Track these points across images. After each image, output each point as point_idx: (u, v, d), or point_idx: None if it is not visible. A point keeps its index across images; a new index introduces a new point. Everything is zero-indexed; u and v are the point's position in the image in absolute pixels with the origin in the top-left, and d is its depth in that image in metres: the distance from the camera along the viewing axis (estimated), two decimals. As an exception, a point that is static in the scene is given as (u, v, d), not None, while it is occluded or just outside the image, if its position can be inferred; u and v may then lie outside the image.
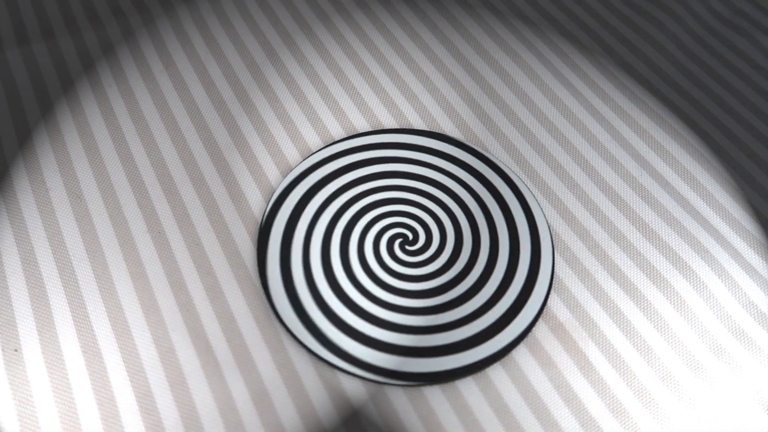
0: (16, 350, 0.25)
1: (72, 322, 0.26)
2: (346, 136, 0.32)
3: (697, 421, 0.25)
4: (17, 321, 0.26)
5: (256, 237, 0.29)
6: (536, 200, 0.30)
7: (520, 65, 0.36)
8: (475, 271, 0.27)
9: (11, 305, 0.27)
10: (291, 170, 0.31)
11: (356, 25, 0.38)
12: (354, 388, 0.25)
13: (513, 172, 0.31)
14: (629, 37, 0.38)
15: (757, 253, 0.30)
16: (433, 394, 0.25)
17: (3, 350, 0.25)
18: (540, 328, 0.27)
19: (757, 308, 0.28)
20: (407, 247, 0.28)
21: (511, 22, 0.39)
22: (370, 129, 0.33)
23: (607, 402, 0.26)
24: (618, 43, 0.38)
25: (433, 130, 0.33)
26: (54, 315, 0.26)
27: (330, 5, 0.39)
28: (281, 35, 0.37)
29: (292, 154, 0.32)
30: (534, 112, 0.34)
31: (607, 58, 0.37)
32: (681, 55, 0.38)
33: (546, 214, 0.30)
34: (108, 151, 0.31)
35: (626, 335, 0.27)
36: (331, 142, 0.32)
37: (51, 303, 0.27)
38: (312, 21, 0.38)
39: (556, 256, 0.29)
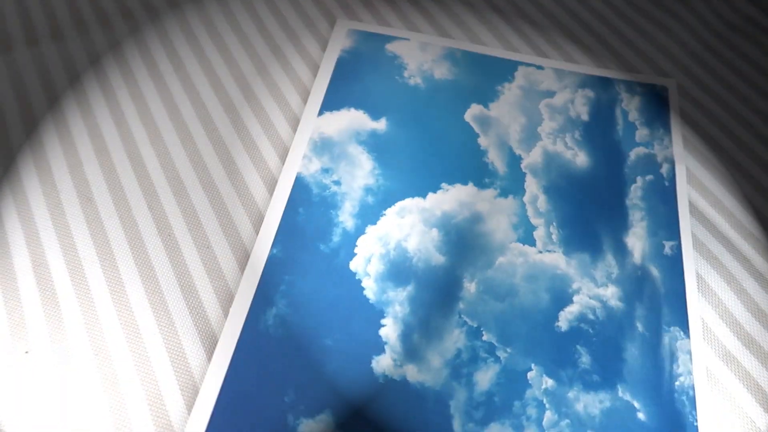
0: (26, 352, 0.26)
1: (83, 324, 0.26)
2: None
3: None
4: (27, 323, 0.26)
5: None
6: None
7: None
8: None
9: (22, 307, 0.27)
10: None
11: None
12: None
13: None
14: (636, 41, 0.38)
15: (763, 257, 0.30)
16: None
17: (13, 352, 0.25)
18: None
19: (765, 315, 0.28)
20: None
21: (518, 26, 0.39)
22: None
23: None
24: (624, 46, 0.38)
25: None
26: (64, 318, 0.26)
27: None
28: (293, 42, 0.37)
29: (301, 157, 0.32)
30: (543, 116, 0.34)
31: (613, 61, 0.37)
32: (688, 60, 0.38)
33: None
34: (118, 154, 0.31)
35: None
36: None
37: (61, 305, 0.27)
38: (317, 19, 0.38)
39: None
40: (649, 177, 0.31)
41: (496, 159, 0.32)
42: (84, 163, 0.31)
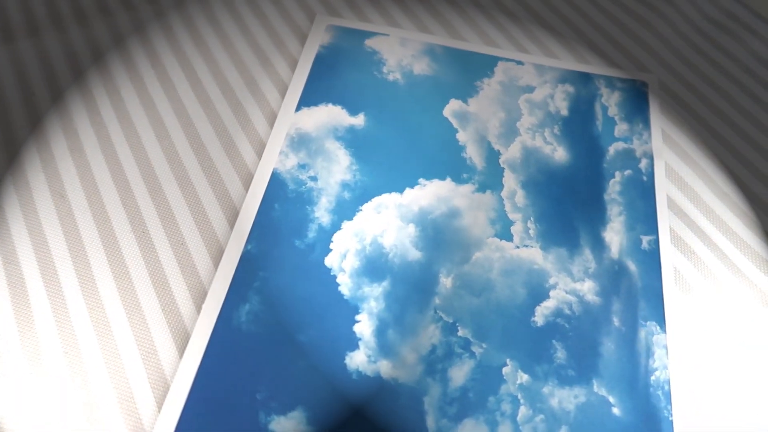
0: (-5, 350, 0.25)
1: (54, 321, 0.26)
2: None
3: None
4: (-3, 321, 0.26)
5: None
6: None
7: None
8: None
9: (-9, 305, 0.26)
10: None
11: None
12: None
13: None
14: (617, 37, 0.38)
15: (740, 251, 0.30)
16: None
17: (-18, 350, 0.25)
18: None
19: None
20: None
21: (499, 21, 0.39)
22: None
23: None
24: (605, 42, 0.38)
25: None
26: (34, 315, 0.26)
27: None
28: (272, 38, 0.37)
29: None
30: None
31: (593, 57, 0.37)
32: (669, 55, 0.38)
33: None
34: (92, 150, 0.31)
35: (612, 336, 0.27)
36: None
37: (32, 303, 0.26)
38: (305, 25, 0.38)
39: None
40: (628, 172, 0.31)
41: (474, 154, 0.32)
42: (57, 159, 0.31)
